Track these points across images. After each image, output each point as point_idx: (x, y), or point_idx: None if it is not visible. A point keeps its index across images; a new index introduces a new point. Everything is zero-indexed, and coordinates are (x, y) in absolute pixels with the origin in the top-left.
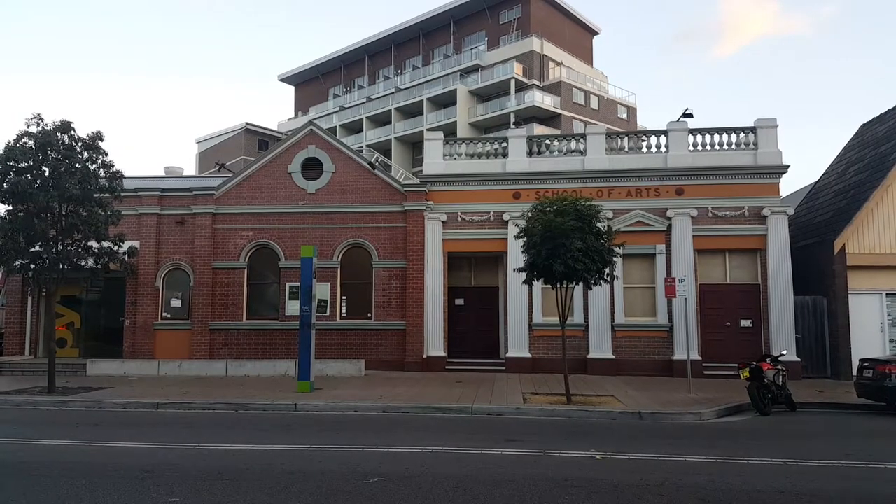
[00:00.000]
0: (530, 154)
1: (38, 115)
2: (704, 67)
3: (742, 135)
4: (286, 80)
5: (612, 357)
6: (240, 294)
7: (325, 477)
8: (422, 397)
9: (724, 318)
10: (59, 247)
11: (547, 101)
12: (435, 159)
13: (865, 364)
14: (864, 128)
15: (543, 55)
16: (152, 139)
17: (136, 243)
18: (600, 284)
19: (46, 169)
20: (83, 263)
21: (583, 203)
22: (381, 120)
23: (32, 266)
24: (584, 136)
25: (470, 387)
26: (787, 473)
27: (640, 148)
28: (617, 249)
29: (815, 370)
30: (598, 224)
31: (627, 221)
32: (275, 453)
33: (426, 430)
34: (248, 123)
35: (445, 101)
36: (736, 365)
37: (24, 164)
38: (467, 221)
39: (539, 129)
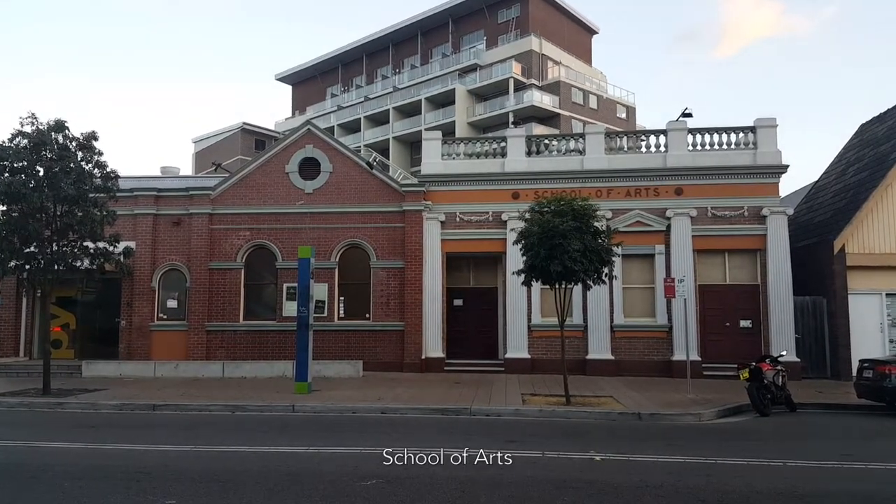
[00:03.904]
0: (529, 154)
1: (33, 114)
2: (704, 68)
3: (741, 135)
4: (283, 79)
5: (612, 358)
6: (237, 295)
7: (322, 479)
8: (420, 398)
9: (724, 318)
10: (55, 247)
11: (546, 101)
12: (433, 159)
13: (865, 364)
14: (864, 127)
15: (542, 54)
16: (148, 139)
17: (132, 244)
18: (599, 285)
19: (41, 169)
20: (78, 264)
21: (580, 203)
22: (379, 119)
23: (27, 267)
24: (583, 135)
25: (469, 388)
26: (787, 474)
27: (640, 148)
28: (615, 249)
29: (815, 371)
30: (596, 224)
31: (626, 221)
32: (272, 455)
33: (425, 432)
34: (244, 123)
35: (444, 101)
36: (735, 365)
37: (18, 164)
38: (466, 221)
39: (538, 129)
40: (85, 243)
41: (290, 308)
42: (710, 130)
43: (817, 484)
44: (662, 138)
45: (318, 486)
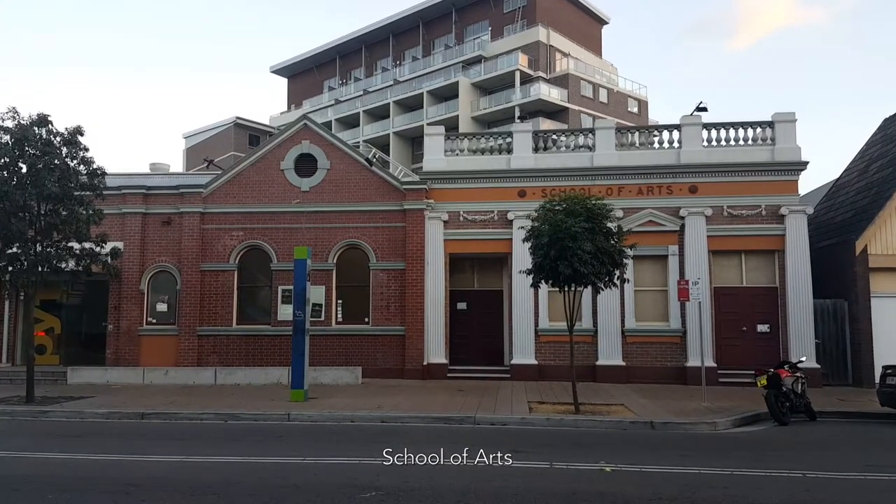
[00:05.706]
0: (536, 150)
1: (14, 108)
2: (720, 60)
3: (759, 130)
4: (278, 71)
5: (623, 364)
6: (229, 298)
7: (319, 491)
8: (422, 406)
9: (741, 322)
10: (38, 248)
11: (553, 95)
12: (436, 155)
13: (889, 371)
14: (888, 122)
15: (550, 46)
16: (137, 134)
17: (120, 244)
18: (610, 288)
19: (24, 165)
20: (63, 265)
21: (594, 202)
22: (379, 114)
23: (10, 268)
24: (592, 130)
25: (473, 395)
26: (806, 486)
27: (652, 143)
28: (628, 251)
29: (836, 377)
30: (609, 224)
31: (638, 221)
32: (267, 466)
33: (426, 441)
34: (238, 117)
35: (446, 94)
36: (752, 372)
37: None
38: (470, 221)
39: (545, 124)
40: (70, 244)
41: (285, 312)
42: (726, 125)
43: (838, 496)
44: (676, 133)
45: (315, 498)
